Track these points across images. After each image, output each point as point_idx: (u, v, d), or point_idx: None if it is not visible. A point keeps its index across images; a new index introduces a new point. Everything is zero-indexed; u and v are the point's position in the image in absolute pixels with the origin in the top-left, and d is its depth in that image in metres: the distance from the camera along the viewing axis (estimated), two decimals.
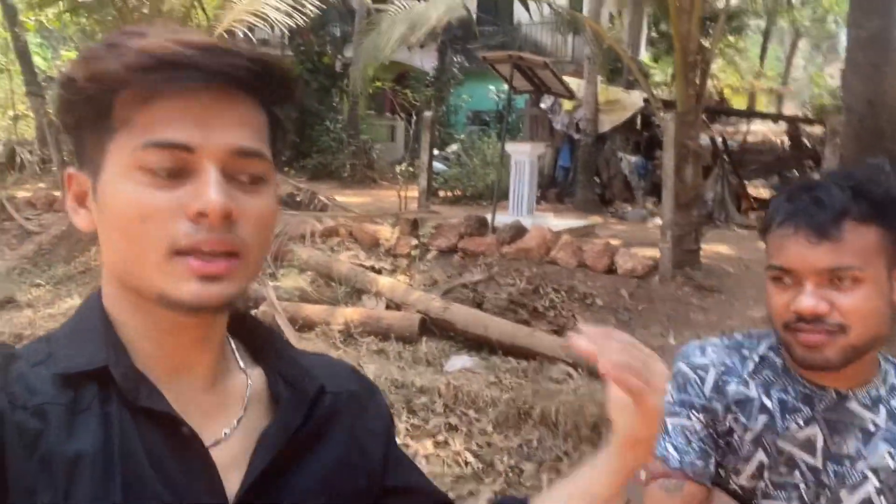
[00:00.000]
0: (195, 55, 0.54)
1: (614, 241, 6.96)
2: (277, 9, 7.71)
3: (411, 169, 9.29)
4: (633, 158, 11.60)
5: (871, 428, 0.96)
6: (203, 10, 9.30)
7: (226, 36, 8.20)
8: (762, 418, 1.00)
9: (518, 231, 6.32)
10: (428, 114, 8.69)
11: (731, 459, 1.03)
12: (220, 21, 8.15)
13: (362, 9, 12.96)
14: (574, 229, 7.47)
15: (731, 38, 18.21)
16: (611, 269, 5.78)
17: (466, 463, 3.25)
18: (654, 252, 6.04)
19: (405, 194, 8.35)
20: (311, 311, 5.04)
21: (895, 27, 5.68)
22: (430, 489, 0.76)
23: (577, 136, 11.04)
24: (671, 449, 1.02)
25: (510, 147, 7.80)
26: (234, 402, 0.65)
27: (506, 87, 8.31)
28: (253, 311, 5.09)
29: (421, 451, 3.33)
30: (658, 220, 7.23)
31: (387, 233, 6.66)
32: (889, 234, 0.92)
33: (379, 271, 5.96)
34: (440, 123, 14.67)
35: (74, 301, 5.43)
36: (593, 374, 4.05)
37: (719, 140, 10.71)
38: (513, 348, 4.45)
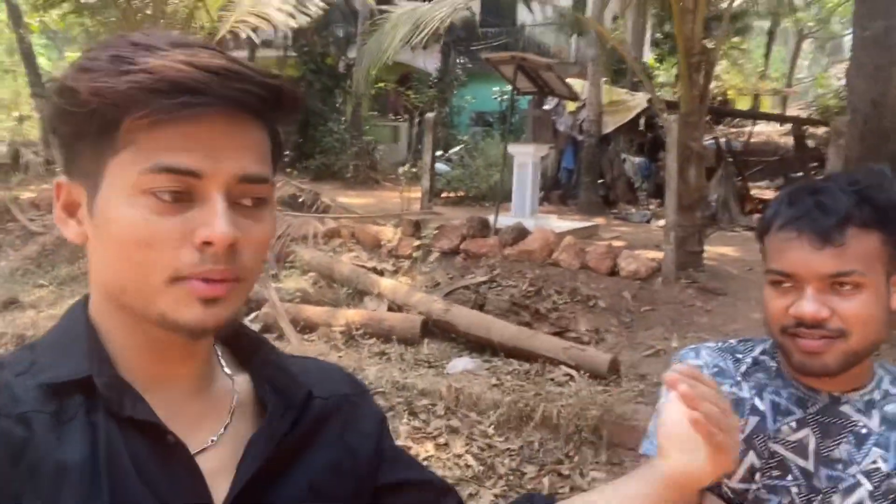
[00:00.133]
0: (206, 79, 0.53)
1: (617, 243, 6.95)
2: (281, 10, 7.72)
3: (414, 170, 9.30)
4: (637, 160, 11.58)
5: (864, 432, 0.96)
6: (207, 11, 9.32)
7: (228, 37, 8.22)
8: (753, 420, 0.99)
9: (521, 233, 6.31)
10: (431, 115, 8.69)
11: None
12: (223, 22, 8.16)
13: (366, 10, 12.97)
14: (577, 231, 7.46)
15: (736, 39, 18.15)
16: (614, 271, 5.76)
17: (468, 465, 3.25)
18: (657, 254, 6.02)
19: (408, 195, 8.35)
20: (313, 312, 5.04)
21: None
22: (428, 479, 0.75)
23: (580, 138, 11.02)
24: None
25: (513, 148, 7.80)
26: (220, 409, 0.65)
27: (509, 88, 8.31)
28: (255, 313, 5.09)
29: (422, 453, 3.33)
30: (661, 222, 7.21)
31: (389, 234, 6.66)
32: (890, 240, 0.92)
33: (381, 273, 5.96)
34: (443, 124, 14.69)
35: None
36: (594, 377, 4.04)
37: (723, 141, 10.69)
38: (515, 350, 4.44)
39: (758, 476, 0.99)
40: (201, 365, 0.65)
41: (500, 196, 7.57)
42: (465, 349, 4.66)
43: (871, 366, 0.99)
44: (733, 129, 15.61)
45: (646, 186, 11.46)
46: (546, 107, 10.90)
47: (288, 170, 12.57)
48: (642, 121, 11.87)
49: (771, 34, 21.42)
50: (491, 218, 6.80)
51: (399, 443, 3.37)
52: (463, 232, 6.43)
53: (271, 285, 5.18)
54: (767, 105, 19.55)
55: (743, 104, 18.04)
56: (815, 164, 11.06)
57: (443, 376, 4.11)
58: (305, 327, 4.90)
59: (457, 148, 13.46)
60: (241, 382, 0.67)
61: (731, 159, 10.20)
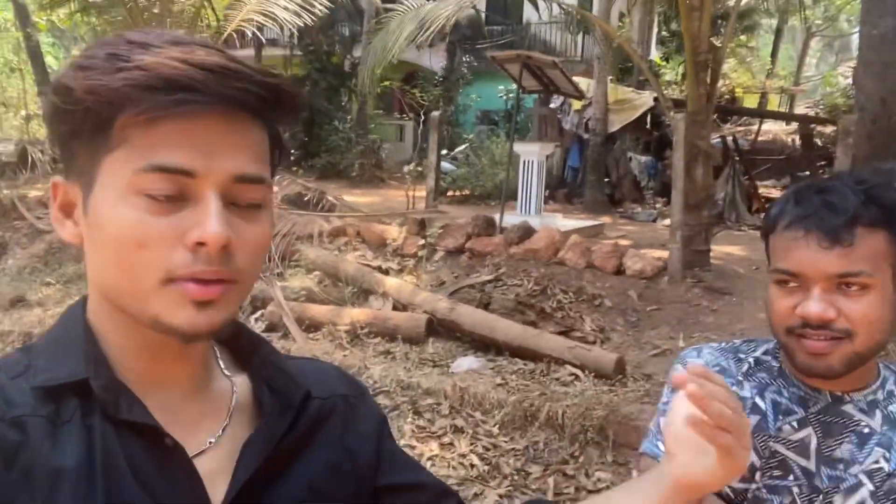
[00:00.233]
0: (202, 77, 0.52)
1: (623, 242, 6.92)
2: (286, 8, 7.74)
3: (419, 168, 9.29)
4: (643, 158, 11.54)
5: (866, 432, 0.95)
6: (213, 9, 9.34)
7: (234, 36, 8.23)
8: (754, 418, 0.99)
9: (526, 231, 6.30)
10: (436, 113, 8.68)
11: None
12: (229, 21, 8.18)
13: (371, 8, 12.98)
14: (583, 230, 7.44)
15: (743, 37, 18.08)
16: (619, 270, 5.74)
17: (472, 465, 3.24)
18: (663, 253, 6.00)
19: (413, 194, 8.35)
20: (318, 311, 5.05)
21: None
22: (428, 482, 0.75)
23: (586, 136, 11.00)
24: (661, 447, 1.01)
25: (519, 147, 7.78)
26: (218, 410, 0.64)
27: (515, 86, 8.29)
28: (260, 311, 5.10)
29: (426, 452, 3.33)
30: (668, 221, 7.18)
31: (394, 233, 6.65)
32: None
33: (386, 271, 5.96)
34: (449, 123, 14.68)
35: None
36: (600, 376, 4.02)
37: (730, 140, 10.64)
38: (520, 350, 4.42)
39: (758, 476, 0.98)
40: (199, 366, 0.64)
41: (506, 195, 7.56)
42: (470, 348, 4.65)
43: (875, 365, 0.99)
44: (740, 128, 15.53)
45: (652, 185, 11.42)
46: (552, 105, 10.91)
47: (293, 168, 12.61)
48: (648, 119, 11.83)
49: (778, 32, 21.31)
50: (496, 217, 6.79)
51: (403, 442, 3.38)
52: (468, 231, 6.42)
53: (276, 284, 5.18)
54: (775, 103, 19.44)
55: (750, 102, 17.95)
56: (823, 162, 11.01)
57: (447, 375, 4.10)
58: (310, 326, 4.90)
59: (462, 146, 13.46)
60: (240, 383, 0.67)
61: (738, 158, 10.14)
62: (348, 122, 13.96)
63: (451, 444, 3.40)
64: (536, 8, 12.43)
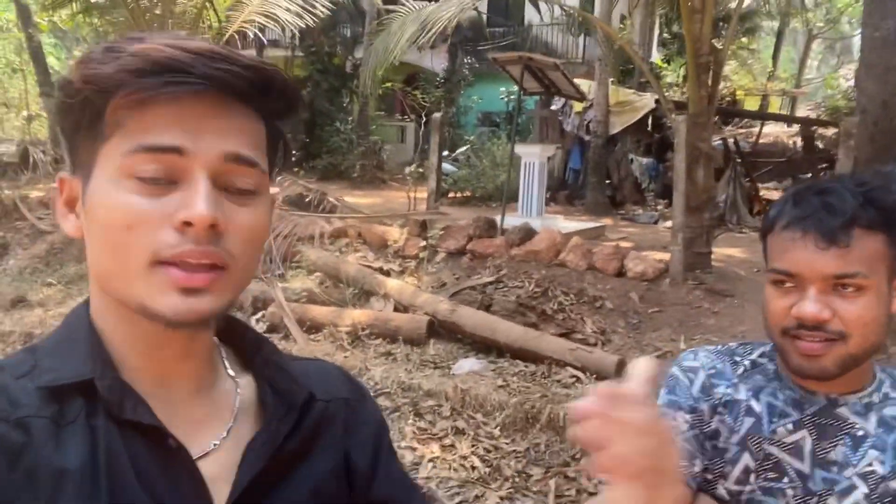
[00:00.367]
0: (190, 60, 0.53)
1: (624, 244, 6.92)
2: (288, 10, 7.75)
3: (421, 170, 9.30)
4: (645, 160, 11.55)
5: (861, 434, 0.95)
6: (215, 10, 9.35)
7: (236, 37, 8.24)
8: (748, 420, 0.99)
9: (527, 233, 6.30)
10: (437, 115, 8.68)
11: (718, 462, 1.02)
12: (231, 22, 8.19)
13: (373, 10, 12.99)
14: (584, 231, 7.44)
15: (744, 40, 18.10)
16: (621, 272, 5.74)
17: (473, 467, 3.23)
18: (664, 255, 6.00)
19: (414, 195, 8.35)
20: (319, 312, 5.04)
21: None
22: (416, 500, 0.73)
23: (587, 138, 11.00)
24: None
25: (520, 148, 7.79)
26: (223, 411, 0.64)
27: (516, 88, 8.29)
28: (261, 312, 5.10)
29: (427, 454, 3.32)
30: (669, 223, 7.18)
31: (395, 234, 6.66)
32: (894, 242, 0.91)
33: (387, 273, 5.96)
34: (450, 125, 14.68)
35: None
36: (601, 378, 4.02)
37: (732, 142, 10.63)
38: (521, 351, 4.42)
39: (753, 478, 0.99)
40: (202, 365, 0.64)
41: (507, 196, 7.56)
42: (471, 350, 4.65)
43: (870, 368, 0.99)
44: (742, 130, 15.52)
45: (653, 187, 11.42)
46: (553, 107, 10.90)
47: (295, 169, 12.61)
48: (650, 121, 11.83)
49: (780, 34, 21.33)
50: (497, 218, 6.79)
51: (404, 444, 3.37)
52: (469, 232, 6.42)
53: (277, 285, 5.18)
54: (776, 106, 19.46)
55: (751, 105, 17.95)
56: (825, 165, 11.00)
57: (449, 377, 4.10)
58: (311, 327, 4.90)
59: (463, 148, 13.45)
60: (245, 384, 0.67)
61: (739, 160, 10.14)
62: (350, 124, 13.97)
63: (452, 445, 3.40)
64: (538, 10, 12.44)
